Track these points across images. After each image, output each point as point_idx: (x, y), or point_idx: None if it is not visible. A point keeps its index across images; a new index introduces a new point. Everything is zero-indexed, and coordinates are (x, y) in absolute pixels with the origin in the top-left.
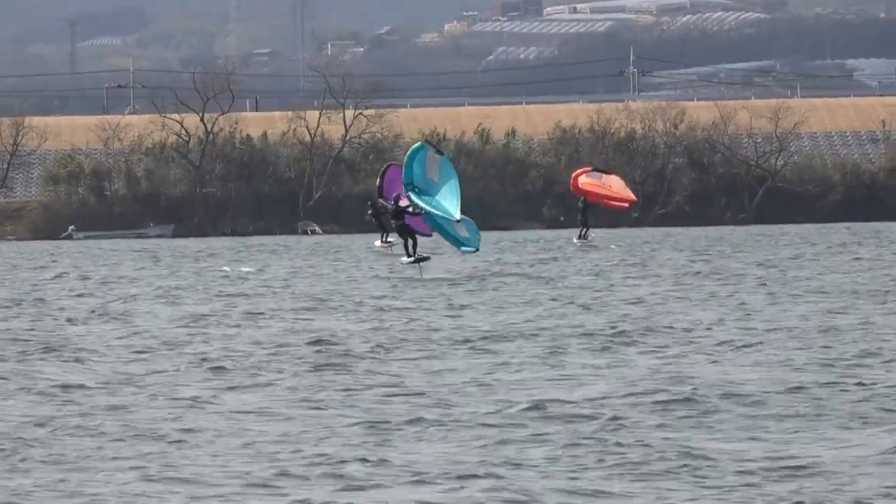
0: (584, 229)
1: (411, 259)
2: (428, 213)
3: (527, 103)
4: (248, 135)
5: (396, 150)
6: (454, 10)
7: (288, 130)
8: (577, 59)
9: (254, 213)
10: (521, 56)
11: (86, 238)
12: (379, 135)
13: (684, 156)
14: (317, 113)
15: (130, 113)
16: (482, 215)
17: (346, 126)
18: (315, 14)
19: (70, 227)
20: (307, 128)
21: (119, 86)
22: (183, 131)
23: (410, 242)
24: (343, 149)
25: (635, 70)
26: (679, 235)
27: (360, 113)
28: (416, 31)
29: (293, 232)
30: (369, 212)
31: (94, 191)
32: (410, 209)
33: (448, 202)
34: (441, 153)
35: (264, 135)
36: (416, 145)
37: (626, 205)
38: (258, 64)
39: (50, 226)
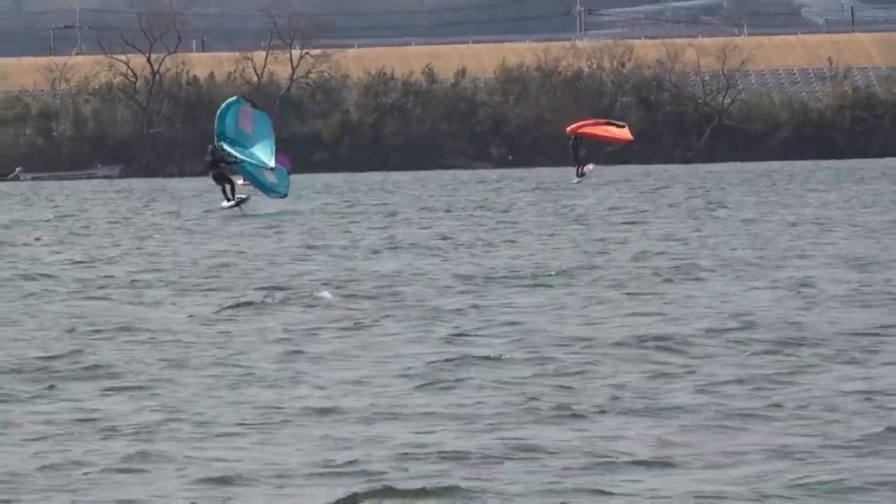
0: (580, 166)
1: (231, 203)
2: (240, 161)
3: (474, 42)
4: (194, 75)
5: (344, 91)
6: None
7: (235, 71)
8: None
9: (201, 153)
10: None
11: (33, 179)
12: (326, 75)
13: (632, 94)
14: (263, 53)
15: (77, 54)
16: (430, 155)
17: (292, 66)
18: None
19: (17, 169)
20: (254, 68)
21: (66, 26)
22: (129, 72)
23: (228, 187)
24: (290, 89)
25: (582, 9)
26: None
27: (307, 53)
28: None
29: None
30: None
31: (42, 132)
32: (227, 159)
33: (262, 152)
34: (256, 107)
35: (211, 75)
36: (230, 99)
37: (619, 142)
38: (204, 3)
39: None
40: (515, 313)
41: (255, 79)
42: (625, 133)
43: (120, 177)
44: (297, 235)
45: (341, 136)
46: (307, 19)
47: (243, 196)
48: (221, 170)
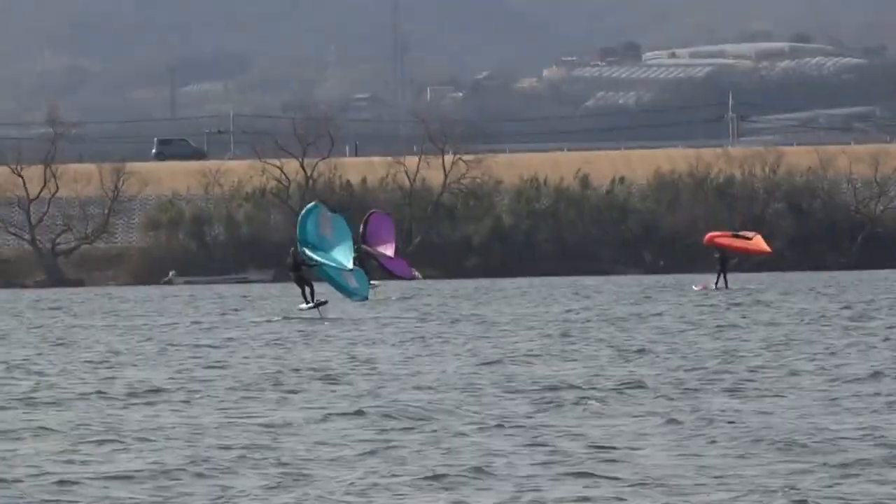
0: (721, 275)
1: (310, 305)
2: (321, 264)
3: (626, 148)
4: (347, 180)
5: (496, 196)
6: (553, 55)
7: (387, 175)
8: (676, 105)
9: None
10: (621, 101)
11: (186, 283)
12: (478, 180)
13: (783, 201)
14: (416, 158)
15: (231, 158)
16: (582, 261)
17: (445, 171)
18: (414, 59)
19: (171, 273)
20: (406, 173)
21: (219, 131)
22: (283, 176)
23: (308, 290)
24: (442, 194)
25: (734, 115)
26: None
27: (460, 158)
28: (514, 76)
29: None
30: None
31: (195, 236)
32: (308, 262)
33: (341, 255)
34: (334, 212)
35: (364, 180)
36: (309, 205)
37: (757, 254)
38: (357, 109)
39: (150, 271)
40: None
41: (408, 184)
42: (758, 244)
43: (272, 281)
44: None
45: (493, 241)
46: (460, 125)
47: (322, 300)
48: (303, 272)
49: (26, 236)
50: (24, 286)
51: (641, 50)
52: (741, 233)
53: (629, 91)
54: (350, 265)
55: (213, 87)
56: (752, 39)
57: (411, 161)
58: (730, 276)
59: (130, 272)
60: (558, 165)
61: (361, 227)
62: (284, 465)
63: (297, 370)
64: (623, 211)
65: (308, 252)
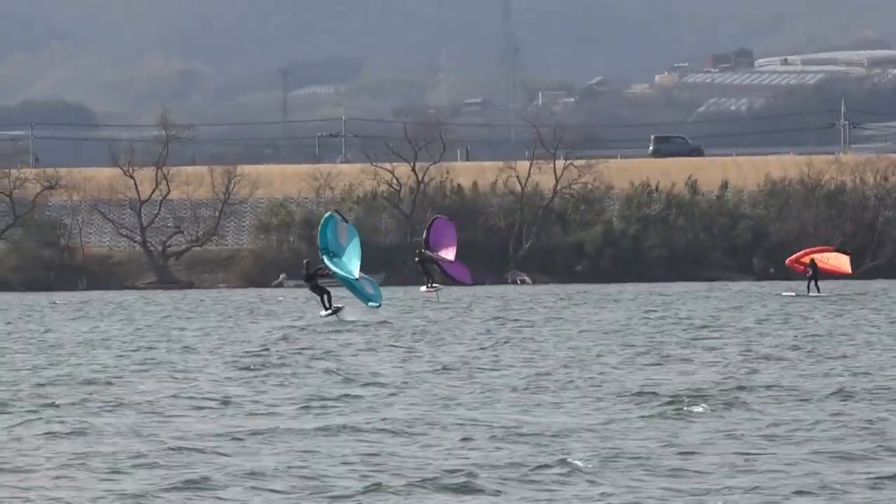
0: (812, 284)
1: (329, 311)
2: (337, 274)
3: (737, 155)
4: (458, 184)
5: (606, 201)
6: (665, 61)
7: (498, 180)
8: (787, 111)
9: (463, 262)
10: (732, 107)
11: (297, 286)
12: (589, 185)
13: (894, 209)
14: (527, 163)
15: (342, 162)
16: (692, 267)
17: (556, 176)
18: (526, 65)
19: (281, 276)
20: (518, 178)
21: (331, 135)
22: (394, 180)
23: (325, 298)
24: (553, 199)
25: (846, 122)
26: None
27: (571, 163)
28: (626, 81)
29: (503, 282)
30: (416, 259)
31: (306, 239)
32: (324, 272)
33: (351, 263)
34: (346, 221)
35: (475, 184)
36: (326, 215)
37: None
38: (469, 114)
39: (261, 274)
40: None
41: (519, 188)
42: (843, 264)
43: (383, 284)
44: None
45: (603, 246)
46: (571, 130)
47: (339, 306)
48: (317, 282)
49: (137, 238)
50: (133, 287)
51: (753, 56)
52: (824, 252)
53: (741, 97)
54: (356, 274)
55: (324, 90)
56: (864, 46)
57: (522, 166)
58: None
59: (241, 275)
60: (669, 171)
61: (425, 232)
62: None
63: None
64: (733, 217)
65: (326, 260)
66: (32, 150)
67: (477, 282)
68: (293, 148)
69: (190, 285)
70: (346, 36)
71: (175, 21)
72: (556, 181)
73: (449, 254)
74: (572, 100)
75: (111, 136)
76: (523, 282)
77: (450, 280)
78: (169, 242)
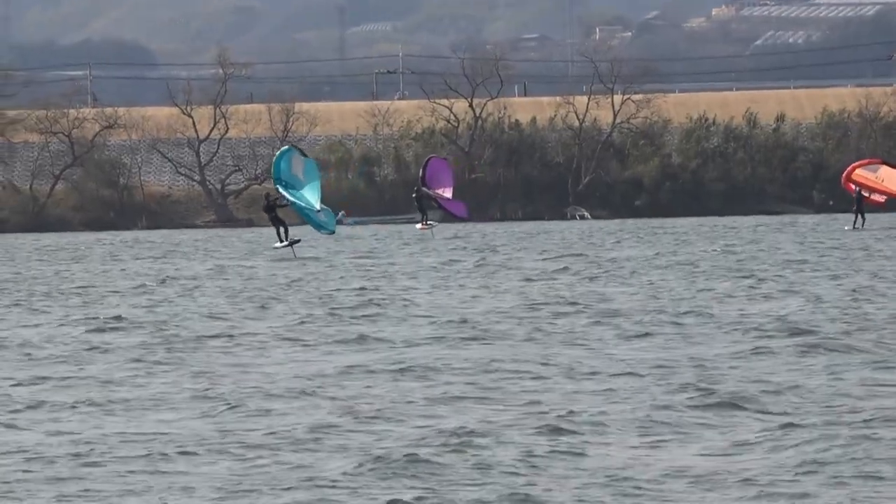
0: (858, 217)
1: (284, 243)
2: (294, 203)
3: (795, 87)
4: (516, 120)
5: (665, 135)
6: None
7: (556, 115)
8: (845, 44)
9: (522, 198)
10: (790, 40)
11: (355, 224)
12: (647, 120)
13: None
14: (585, 98)
15: (400, 99)
16: (750, 201)
17: (614, 111)
18: None
19: (340, 213)
20: (575, 113)
21: (388, 71)
22: (452, 117)
23: (283, 230)
24: (611, 134)
25: None
26: None
27: (629, 98)
28: (683, 15)
29: (562, 217)
30: (413, 195)
31: (364, 176)
32: (280, 202)
33: (310, 195)
34: (305, 156)
35: (533, 120)
36: (283, 148)
37: (883, 199)
38: (526, 49)
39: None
40: None
41: (577, 123)
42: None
43: (442, 221)
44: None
45: (662, 180)
46: (629, 64)
47: (296, 238)
48: (277, 214)
49: (196, 177)
50: (193, 226)
51: None
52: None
53: (798, 30)
54: (318, 206)
55: (381, 27)
56: None
57: (580, 101)
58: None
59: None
60: (727, 105)
61: (421, 171)
62: None
63: None
64: (791, 150)
65: (281, 190)
66: (91, 90)
67: (536, 217)
68: (351, 85)
69: (249, 223)
70: None
71: None
72: (615, 116)
73: (446, 192)
74: (629, 34)
75: (169, 75)
76: (582, 217)
77: (449, 217)
78: (228, 181)
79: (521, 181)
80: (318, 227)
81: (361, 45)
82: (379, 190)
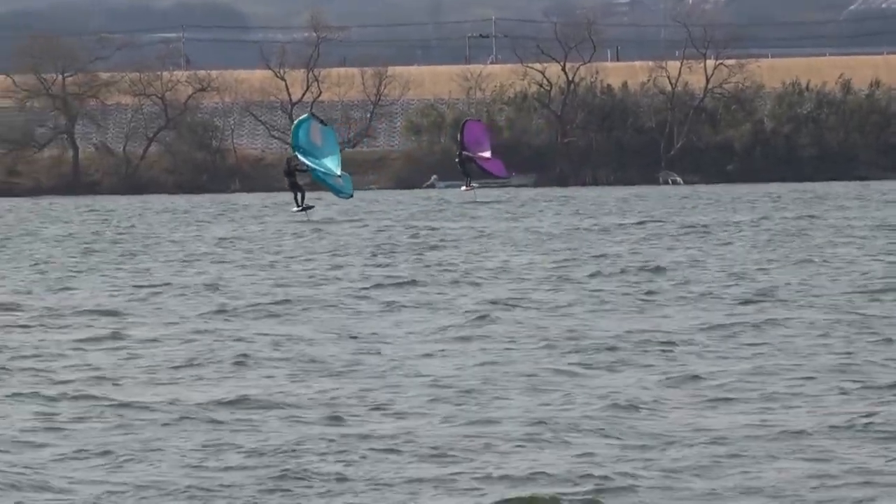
0: None
1: (299, 208)
2: (314, 169)
3: (888, 53)
4: (608, 85)
5: (757, 101)
6: None
7: (649, 80)
8: None
9: (614, 162)
10: (883, 5)
11: (447, 187)
12: (740, 85)
13: None
14: (678, 63)
15: (492, 63)
16: (843, 166)
17: (707, 76)
18: None
19: (433, 177)
20: (668, 77)
21: (481, 35)
22: (545, 81)
23: (300, 195)
24: (704, 99)
25: None
26: None
27: (722, 63)
28: None
29: (654, 182)
30: (456, 160)
31: (456, 140)
32: (300, 167)
33: (331, 162)
34: (324, 123)
35: (625, 84)
36: (301, 117)
37: None
38: (619, 14)
39: (412, 175)
40: None
41: (669, 88)
42: None
43: (534, 186)
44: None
45: (754, 146)
46: (722, 29)
47: (310, 205)
48: (296, 179)
49: (289, 140)
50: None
51: None
52: None
53: None
54: (338, 171)
55: None
56: None
57: (673, 66)
58: None
59: (392, 177)
60: (820, 70)
61: (459, 134)
62: None
63: None
64: (885, 116)
65: (301, 157)
66: (184, 52)
67: (627, 182)
68: (444, 49)
69: None
70: None
71: None
72: (707, 81)
73: (485, 152)
74: None
75: (263, 38)
76: (675, 182)
77: (487, 176)
78: None
79: (614, 146)
80: (337, 191)
81: (455, 8)
82: None
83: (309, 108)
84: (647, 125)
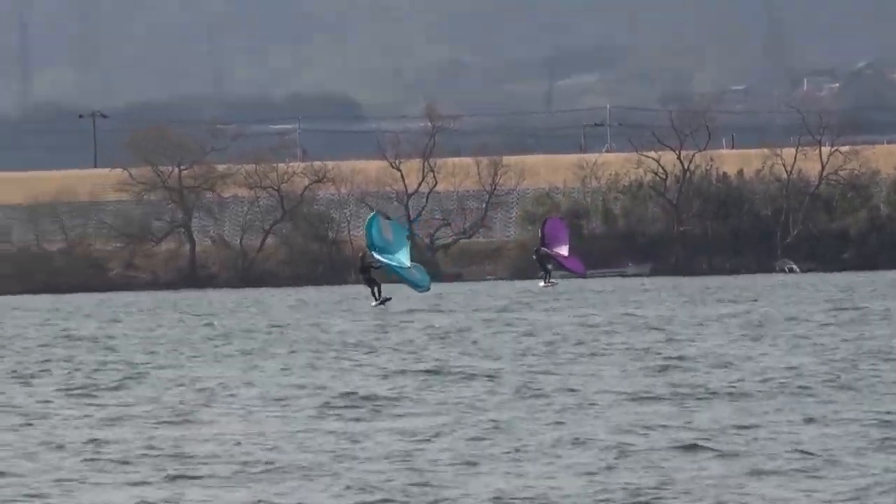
0: None
1: (377, 302)
2: (389, 265)
3: None
4: (724, 172)
5: (873, 187)
6: None
7: (763, 167)
8: None
9: (730, 250)
10: None
11: (561, 278)
12: (856, 171)
13: None
14: (793, 149)
15: (607, 151)
16: None
17: (822, 162)
18: (790, 50)
19: (548, 266)
20: (783, 164)
21: (596, 124)
22: (660, 169)
23: (376, 289)
24: (819, 186)
25: None
26: None
27: (837, 149)
28: (892, 65)
29: (770, 270)
30: (534, 256)
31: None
32: (375, 264)
33: (401, 255)
34: (389, 219)
35: (740, 172)
36: (370, 215)
37: None
38: (733, 101)
39: (528, 265)
40: None
41: (785, 175)
42: None
43: (650, 275)
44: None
45: (870, 232)
46: (836, 115)
47: (388, 297)
48: (371, 274)
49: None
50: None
51: None
52: None
53: None
54: (408, 263)
55: (589, 79)
56: None
57: (788, 152)
58: None
59: (508, 267)
60: None
61: (539, 231)
62: None
63: None
64: None
65: (376, 255)
66: (300, 143)
67: (743, 270)
68: (559, 137)
69: (458, 277)
70: (611, 22)
71: (443, 9)
72: (822, 167)
73: (563, 249)
74: (837, 85)
75: (378, 128)
76: (791, 270)
77: (566, 272)
78: (436, 234)
79: (729, 233)
80: (415, 285)
81: (568, 96)
82: (587, 243)
83: (425, 198)
84: (763, 212)
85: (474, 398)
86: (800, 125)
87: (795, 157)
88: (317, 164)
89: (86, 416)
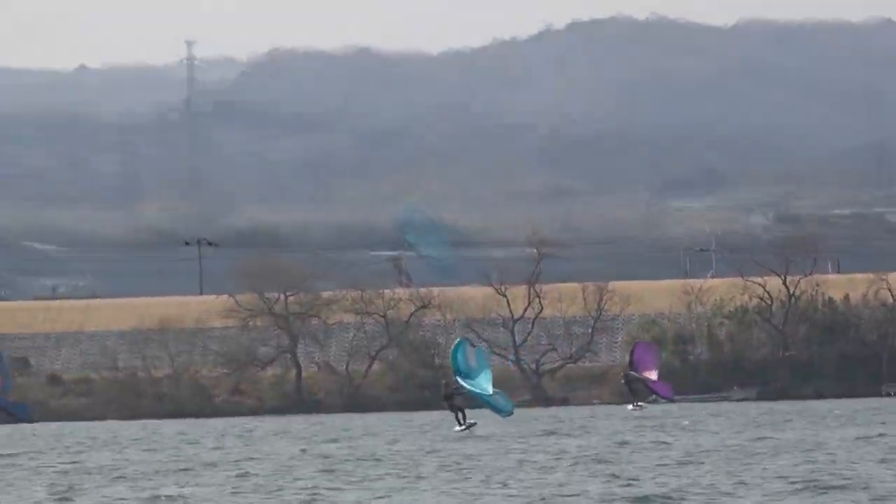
0: None
1: (462, 427)
2: (473, 391)
3: None
4: (829, 297)
5: None
6: None
7: (868, 292)
8: None
9: (836, 375)
10: None
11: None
12: None
13: None
14: None
15: (712, 276)
16: None
17: None
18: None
19: (651, 396)
20: (889, 289)
21: (701, 249)
22: (765, 294)
23: (460, 415)
24: None
25: None
26: None
27: None
28: None
29: (878, 394)
30: (622, 381)
31: (678, 354)
32: (459, 391)
33: (484, 381)
34: (474, 346)
35: (846, 297)
36: (456, 341)
37: None
38: (839, 225)
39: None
40: None
41: (891, 300)
42: None
43: (756, 399)
44: None
45: None
46: None
47: (472, 421)
48: (455, 400)
49: (511, 357)
50: None
51: None
52: None
53: None
54: (490, 390)
55: (694, 203)
56: None
57: (893, 277)
58: None
59: (614, 391)
60: None
61: (629, 355)
62: None
63: None
64: None
65: (461, 381)
66: (406, 269)
67: (851, 394)
68: (664, 262)
69: (564, 401)
70: (717, 149)
71: (546, 133)
72: None
73: (652, 374)
74: None
75: (483, 255)
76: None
77: (657, 397)
78: (542, 360)
79: (836, 358)
80: (498, 410)
81: (674, 222)
82: (693, 368)
83: (531, 324)
84: (869, 337)
85: None
86: None
87: None
88: (422, 290)
89: None
